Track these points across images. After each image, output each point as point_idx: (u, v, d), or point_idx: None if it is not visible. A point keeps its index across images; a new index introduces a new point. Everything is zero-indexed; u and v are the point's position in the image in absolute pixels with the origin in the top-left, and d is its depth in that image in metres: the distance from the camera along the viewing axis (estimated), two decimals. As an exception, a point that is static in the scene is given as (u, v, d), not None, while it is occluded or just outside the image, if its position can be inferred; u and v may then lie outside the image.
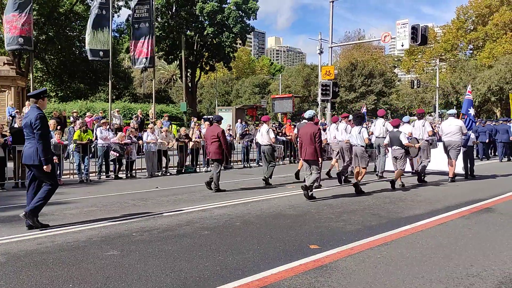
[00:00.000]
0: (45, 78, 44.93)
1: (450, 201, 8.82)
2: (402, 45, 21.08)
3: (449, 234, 6.04)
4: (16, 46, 12.95)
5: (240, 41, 47.41)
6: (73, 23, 40.36)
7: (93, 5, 17.00)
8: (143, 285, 4.11)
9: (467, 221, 6.92)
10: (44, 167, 6.28)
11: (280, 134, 18.73)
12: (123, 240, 5.77)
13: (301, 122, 13.73)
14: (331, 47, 24.11)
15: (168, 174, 14.54)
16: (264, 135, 11.80)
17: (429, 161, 11.92)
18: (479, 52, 54.37)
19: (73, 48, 41.93)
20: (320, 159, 8.99)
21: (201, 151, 15.68)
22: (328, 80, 23.26)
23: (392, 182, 10.28)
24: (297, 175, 12.29)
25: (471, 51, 58.96)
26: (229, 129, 17.76)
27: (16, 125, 13.10)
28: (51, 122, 14.06)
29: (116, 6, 37.01)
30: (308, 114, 9.62)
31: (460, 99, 49.73)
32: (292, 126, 20.10)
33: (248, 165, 17.01)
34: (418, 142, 11.15)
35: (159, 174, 14.21)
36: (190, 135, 15.79)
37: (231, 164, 16.51)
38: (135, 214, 7.50)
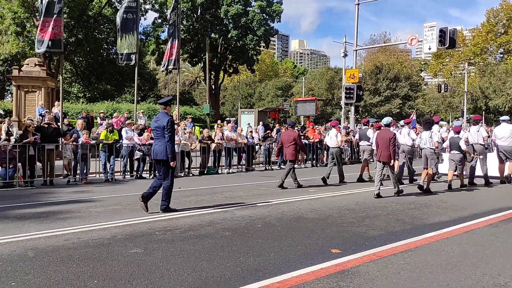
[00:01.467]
0: (74, 79, 46.05)
1: (477, 208, 8.62)
2: (430, 48, 20.76)
3: (475, 242, 5.91)
4: (46, 49, 13.30)
5: (264, 44, 47.44)
6: (101, 26, 41.24)
7: (121, 9, 17.26)
8: (165, 283, 4.17)
9: (495, 229, 6.76)
10: (171, 163, 7.51)
11: (303, 137, 18.68)
12: (146, 238, 5.86)
13: (362, 128, 14.57)
14: (356, 50, 23.91)
15: (191, 175, 14.68)
16: (333, 138, 12.89)
17: (486, 167, 12.45)
18: (510, 56, 52.99)
19: (101, 50, 42.84)
20: (393, 161, 9.94)
21: (223, 153, 15.78)
22: (352, 83, 23.06)
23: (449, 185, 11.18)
24: (360, 179, 12.89)
25: (502, 55, 57.54)
26: (250, 132, 17.80)
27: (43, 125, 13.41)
28: (79, 122, 14.42)
29: (143, 9, 37.65)
30: (385, 121, 10.84)
31: (489, 104, 48.58)
32: (316, 129, 20.01)
33: (269, 168, 17.02)
34: (475, 151, 12.23)
35: (182, 175, 14.36)
36: (212, 137, 15.91)
37: (253, 166, 16.55)
38: (158, 213, 7.60)
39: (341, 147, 13.39)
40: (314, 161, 18.71)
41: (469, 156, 11.71)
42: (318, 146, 18.79)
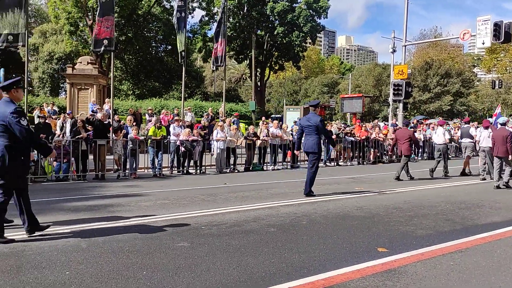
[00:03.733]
0: (124, 77, 47.64)
1: (534, 210, 8.17)
2: (483, 43, 19.85)
3: (532, 245, 5.60)
4: (101, 48, 13.86)
5: (310, 40, 47.04)
6: (150, 24, 42.39)
7: (175, 9, 17.63)
8: (211, 277, 4.24)
9: (554, 232, 6.37)
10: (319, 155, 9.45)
11: (349, 134, 18.38)
12: (192, 232, 5.99)
13: (464, 126, 15.63)
14: (405, 46, 23.23)
15: (236, 171, 14.83)
16: (440, 135, 14.03)
17: None
18: None
19: (150, 48, 44.03)
20: (511, 156, 10.88)
21: (268, 150, 15.82)
22: (401, 79, 22.44)
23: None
24: (463, 173, 13.97)
25: (561, 49, 53.94)
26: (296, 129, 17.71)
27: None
28: (128, 118, 14.92)
29: (190, 7, 38.35)
30: (502, 120, 11.81)
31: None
32: (362, 127, 19.64)
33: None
34: None
35: (227, 171, 14.54)
36: (258, 134, 15.98)
37: (298, 163, 16.49)
38: (204, 208, 7.75)
39: (447, 144, 14.75)
40: (360, 159, 18.37)
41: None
42: (365, 143, 18.40)
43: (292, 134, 16.79)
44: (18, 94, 5.56)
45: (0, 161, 5.26)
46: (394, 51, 25.71)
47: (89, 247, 5.22)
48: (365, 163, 18.22)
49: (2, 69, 21.49)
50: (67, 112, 20.36)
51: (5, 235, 5.42)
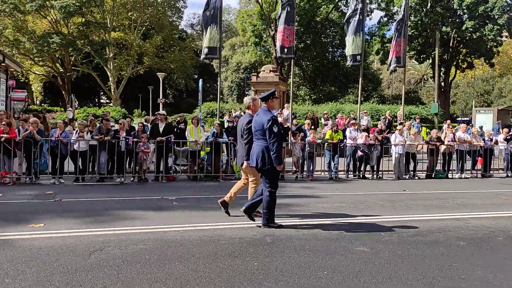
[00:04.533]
0: (301, 83, 49.51)
1: None
2: None
3: None
4: (283, 56, 14.76)
5: (507, 33, 41.38)
6: (327, 30, 43.13)
7: (352, 11, 17.61)
8: (393, 285, 4.09)
9: None
10: None
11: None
12: (372, 238, 5.86)
13: None
14: None
15: (416, 178, 13.96)
16: None
17: None
18: None
19: (326, 54, 44.80)
20: None
21: (454, 156, 14.47)
22: None
23: None
24: None
25: None
26: (489, 133, 15.77)
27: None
28: (306, 122, 15.43)
29: (369, 9, 37.72)
30: None
31: None
32: None
33: (510, 175, 14.74)
34: None
35: (406, 177, 13.79)
36: (442, 138, 14.75)
37: (491, 172, 14.66)
38: (381, 214, 7.50)
39: None
40: None
41: None
42: None
43: (484, 140, 15.04)
44: (273, 104, 6.54)
45: (262, 160, 6.16)
46: None
47: (273, 242, 5.55)
48: None
49: (201, 80, 24.59)
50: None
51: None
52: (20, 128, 11.30)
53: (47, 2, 34.13)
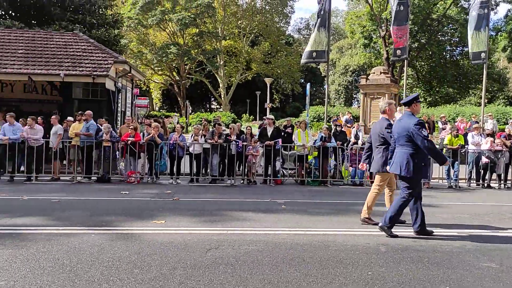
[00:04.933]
0: (415, 84, 46.91)
1: None
2: None
3: None
4: (395, 58, 14.17)
5: None
6: (445, 27, 40.31)
7: (473, 5, 16.26)
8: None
9: None
10: None
11: None
12: (501, 253, 5.27)
13: None
14: None
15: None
16: None
17: None
18: None
19: (443, 53, 41.88)
20: None
21: None
22: None
23: None
24: None
25: None
26: None
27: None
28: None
29: (494, 2, 34.46)
30: None
31: None
32: None
33: None
34: None
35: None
36: None
37: None
38: (511, 228, 6.73)
39: None
40: None
41: None
42: None
43: None
44: (417, 108, 6.31)
45: (406, 167, 5.89)
46: None
47: (387, 251, 5.28)
48: None
49: (308, 84, 24.62)
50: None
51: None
52: (144, 132, 12.35)
53: (166, 16, 37.06)
